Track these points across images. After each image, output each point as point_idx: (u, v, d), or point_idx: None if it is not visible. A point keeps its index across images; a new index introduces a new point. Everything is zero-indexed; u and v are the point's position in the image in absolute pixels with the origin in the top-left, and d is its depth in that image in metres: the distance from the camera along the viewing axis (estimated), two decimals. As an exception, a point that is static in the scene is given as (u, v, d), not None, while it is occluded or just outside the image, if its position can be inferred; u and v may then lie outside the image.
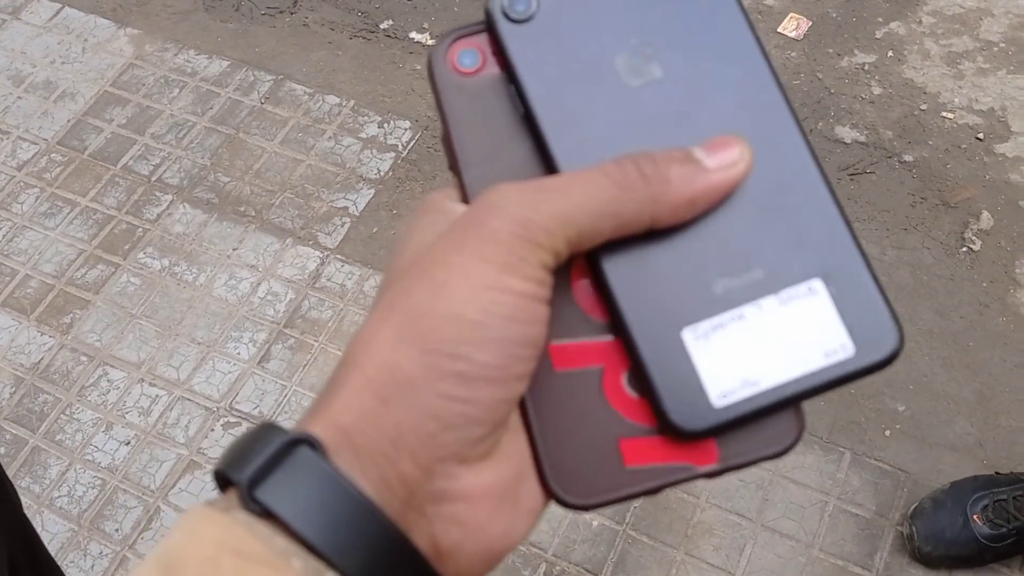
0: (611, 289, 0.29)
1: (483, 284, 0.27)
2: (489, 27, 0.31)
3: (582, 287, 0.30)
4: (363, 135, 1.93)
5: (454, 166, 0.31)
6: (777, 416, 0.29)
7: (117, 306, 1.73)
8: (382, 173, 1.87)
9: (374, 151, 1.91)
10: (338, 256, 1.77)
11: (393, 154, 1.90)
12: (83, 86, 2.03)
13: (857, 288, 0.29)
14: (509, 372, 0.27)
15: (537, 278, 0.27)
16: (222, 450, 1.53)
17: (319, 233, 1.80)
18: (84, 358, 1.68)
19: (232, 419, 1.60)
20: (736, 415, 0.28)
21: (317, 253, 1.78)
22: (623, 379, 0.30)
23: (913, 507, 1.41)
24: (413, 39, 2.08)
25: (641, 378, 0.29)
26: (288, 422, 1.58)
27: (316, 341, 1.67)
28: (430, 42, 2.07)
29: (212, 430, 1.59)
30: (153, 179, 1.89)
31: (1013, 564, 1.40)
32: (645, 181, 0.28)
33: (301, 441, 0.27)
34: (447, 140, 0.31)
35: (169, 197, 1.86)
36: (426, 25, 2.10)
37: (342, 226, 1.81)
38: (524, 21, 0.31)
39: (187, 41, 2.09)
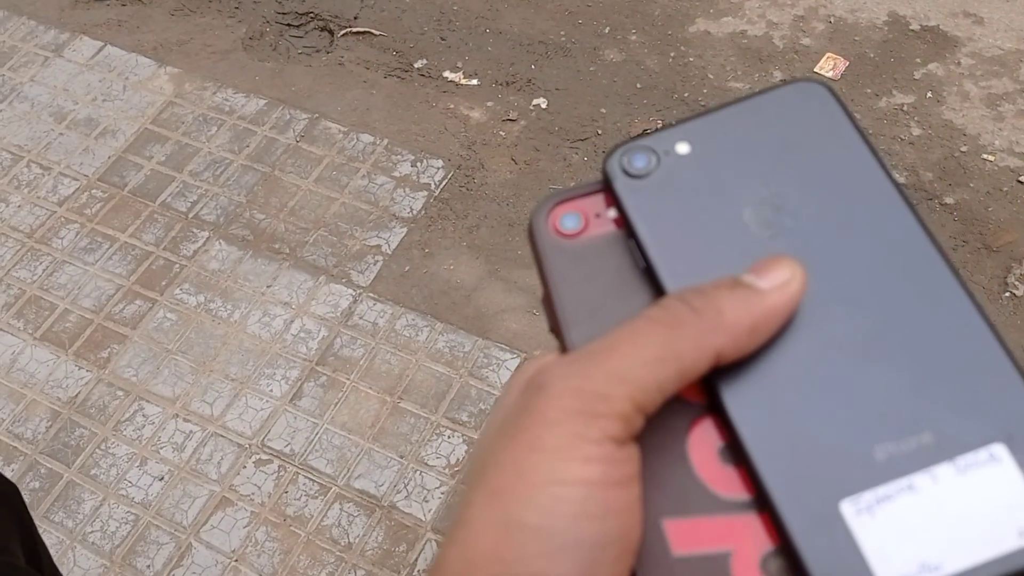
0: (749, 456, 0.26)
1: (539, 480, 0.23)
2: (607, 183, 0.31)
3: (703, 455, 0.27)
4: (396, 174, 1.95)
5: (555, 328, 0.30)
6: None
7: (153, 341, 1.76)
8: (415, 212, 1.89)
9: (407, 189, 1.93)
10: (370, 294, 1.78)
11: (426, 193, 1.92)
12: (124, 123, 2.08)
13: None
14: None
15: (605, 457, 0.23)
16: (254, 488, 1.54)
17: (352, 271, 1.82)
18: (120, 393, 1.70)
19: (264, 456, 1.61)
20: None
21: (350, 291, 1.79)
22: (758, 564, 0.25)
23: None
24: (447, 78, 2.10)
25: (792, 562, 0.25)
26: (318, 460, 1.59)
27: (348, 379, 1.68)
28: (463, 81, 2.09)
29: (244, 467, 1.60)
30: (190, 216, 1.92)
31: None
32: (696, 314, 0.25)
33: None
34: (548, 301, 0.30)
35: (206, 234, 1.89)
36: (459, 64, 2.12)
37: (375, 264, 1.82)
38: (643, 176, 0.30)
39: (225, 80, 2.13)
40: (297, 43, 2.20)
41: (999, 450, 0.25)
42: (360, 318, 1.76)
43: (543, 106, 2.03)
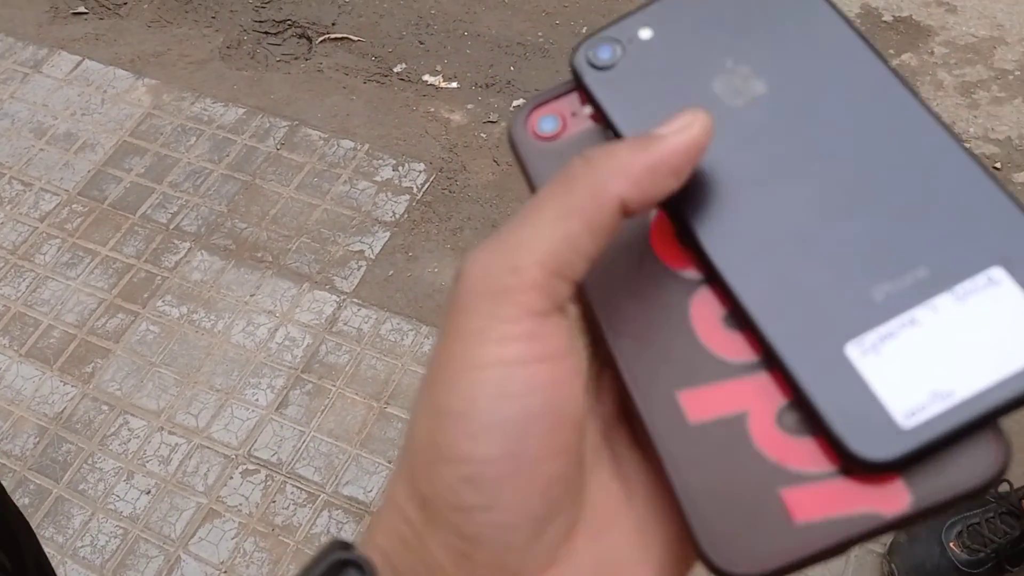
0: (751, 316, 0.26)
1: (460, 366, 0.23)
2: (577, 80, 0.31)
3: (707, 325, 0.27)
4: (378, 178, 1.95)
5: None
6: (972, 437, 0.24)
7: (137, 354, 1.75)
8: (397, 216, 1.89)
9: (389, 194, 1.92)
10: (355, 300, 1.78)
11: (408, 196, 1.91)
12: (103, 137, 2.07)
13: None
14: (523, 459, 0.23)
15: (524, 334, 0.23)
16: (242, 499, 1.54)
17: (336, 277, 1.81)
18: (105, 407, 1.69)
19: (251, 466, 1.60)
20: (933, 435, 0.24)
21: (334, 297, 1.79)
22: (774, 420, 0.26)
23: (889, 543, 1.39)
24: (426, 82, 2.10)
25: (807, 412, 0.25)
26: (305, 468, 1.59)
27: (334, 386, 1.68)
28: (443, 85, 2.09)
29: (231, 478, 1.60)
30: (171, 227, 1.91)
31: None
32: (589, 164, 0.25)
33: (349, 563, 0.24)
34: None
35: (187, 245, 1.88)
36: (439, 68, 2.12)
37: (358, 270, 1.82)
38: (610, 67, 0.31)
39: (203, 90, 2.12)
40: (275, 51, 2.20)
41: (997, 273, 0.25)
42: (345, 324, 1.75)
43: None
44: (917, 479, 0.24)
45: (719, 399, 0.26)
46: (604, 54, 0.31)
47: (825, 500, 0.24)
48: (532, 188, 0.30)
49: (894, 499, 0.24)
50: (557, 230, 0.24)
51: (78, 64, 2.21)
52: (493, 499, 0.23)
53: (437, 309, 1.75)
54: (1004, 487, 1.38)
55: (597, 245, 0.24)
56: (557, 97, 0.32)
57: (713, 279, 0.27)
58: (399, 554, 0.24)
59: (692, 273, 0.28)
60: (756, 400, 0.26)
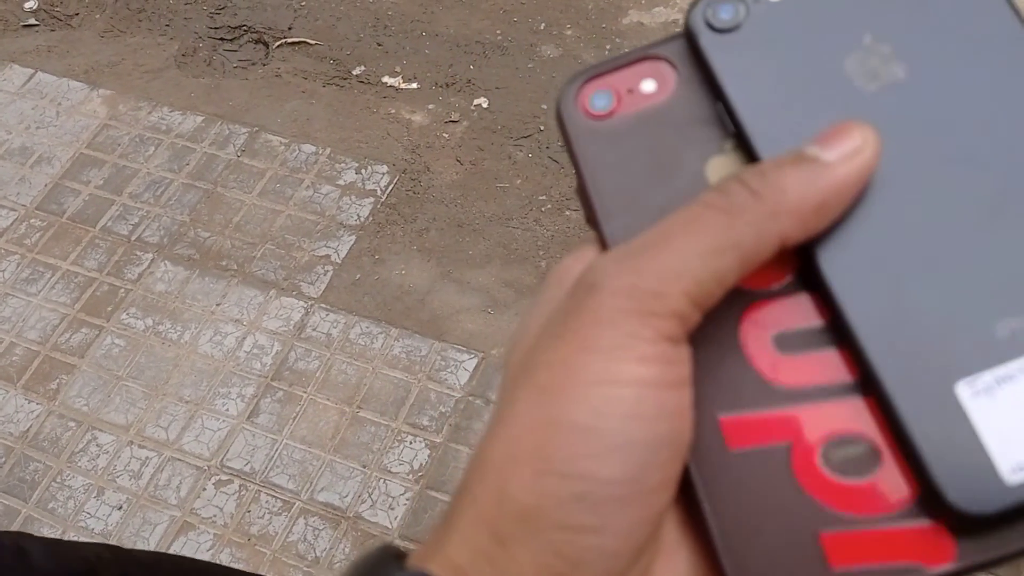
0: (854, 335, 0.23)
1: (590, 379, 0.22)
2: (690, 39, 0.28)
3: (757, 346, 0.25)
4: (341, 182, 1.93)
5: (592, 219, 0.27)
6: None
7: (103, 369, 1.72)
8: (362, 219, 1.88)
9: (353, 197, 1.91)
10: (322, 305, 1.77)
11: (372, 199, 1.90)
12: (59, 150, 2.04)
13: None
14: (643, 486, 0.22)
15: (659, 357, 0.22)
16: (216, 510, 1.52)
17: (302, 283, 1.80)
18: (72, 423, 1.67)
19: (224, 477, 1.59)
20: None
21: (301, 303, 1.77)
22: (818, 457, 0.24)
23: None
24: (386, 83, 2.09)
25: (904, 449, 0.23)
26: (279, 476, 1.57)
27: (305, 392, 1.67)
28: (403, 86, 2.08)
29: (204, 489, 1.58)
30: (133, 239, 1.89)
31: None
32: (756, 198, 0.23)
33: None
34: (582, 191, 0.28)
35: (150, 256, 1.86)
36: (398, 69, 2.11)
37: (325, 275, 1.81)
38: (731, 30, 0.27)
39: (160, 99, 2.10)
40: (232, 57, 2.18)
41: None
42: (313, 330, 1.74)
43: (484, 106, 2.03)
44: (967, 535, 0.22)
45: (762, 428, 0.24)
46: (726, 14, 0.27)
47: (866, 548, 0.23)
48: (577, 167, 0.28)
49: (939, 554, 0.22)
50: (710, 264, 0.23)
51: (30, 77, 2.17)
52: (605, 523, 0.22)
53: (406, 311, 1.74)
54: None
55: (743, 278, 0.24)
56: (613, 71, 0.29)
57: (814, 289, 0.25)
58: (479, 570, 0.22)
59: (747, 287, 0.25)
60: (802, 433, 0.24)
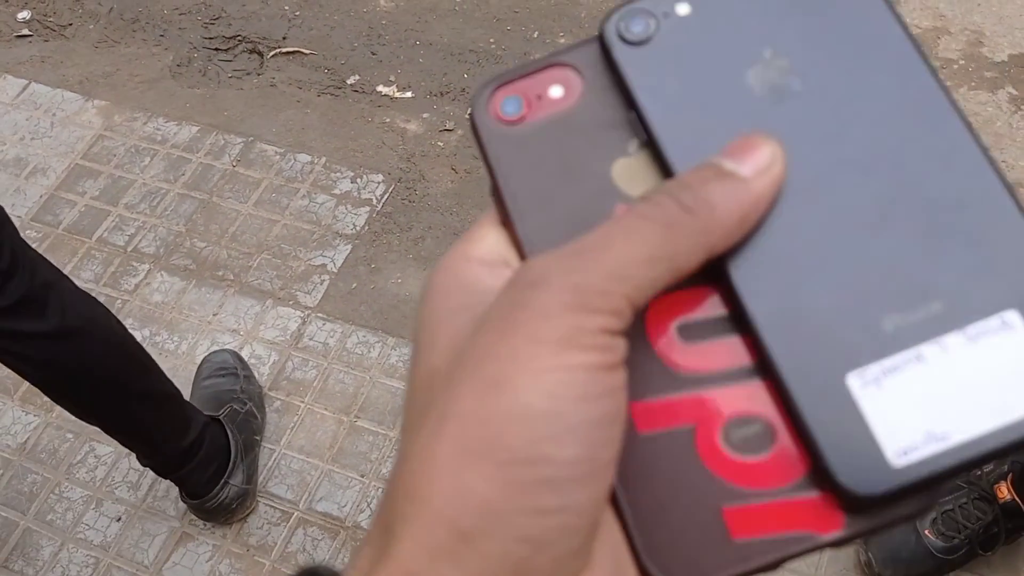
0: (757, 329, 0.25)
1: (543, 367, 0.23)
2: (604, 51, 0.29)
3: (661, 335, 0.27)
4: (336, 191, 1.94)
5: (505, 220, 0.29)
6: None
7: (100, 380, 1.72)
8: (358, 228, 1.88)
9: (349, 206, 1.92)
10: (319, 314, 1.77)
11: (368, 208, 1.91)
12: (54, 160, 2.04)
13: None
14: (598, 463, 0.23)
15: (602, 345, 0.24)
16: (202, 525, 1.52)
17: (299, 292, 1.80)
18: (70, 435, 1.67)
19: (222, 487, 1.59)
20: (919, 476, 0.24)
21: (298, 313, 1.78)
22: (719, 437, 0.26)
23: None
24: (381, 92, 2.09)
25: (799, 433, 0.25)
26: (278, 487, 1.58)
27: (302, 402, 1.67)
28: (397, 94, 2.09)
29: (203, 500, 1.58)
30: (129, 249, 1.89)
31: (970, 567, 1.40)
32: (690, 214, 0.25)
33: None
34: (496, 192, 0.29)
35: (146, 266, 1.86)
36: (392, 78, 2.12)
37: (321, 284, 1.81)
38: (642, 43, 0.28)
39: (155, 109, 2.10)
40: (226, 67, 2.18)
41: (1012, 316, 0.24)
42: (310, 339, 1.74)
43: (479, 114, 2.03)
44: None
45: (668, 412, 0.26)
46: (637, 27, 0.29)
47: (764, 519, 0.25)
48: (490, 171, 0.29)
49: (830, 522, 0.25)
50: (647, 271, 0.24)
51: (24, 88, 2.17)
52: (567, 502, 0.23)
53: (403, 320, 1.75)
54: (975, 473, 1.41)
55: (671, 284, 0.25)
56: (522, 77, 0.30)
57: (715, 282, 0.27)
58: (439, 570, 0.23)
59: None
60: (704, 415, 0.26)
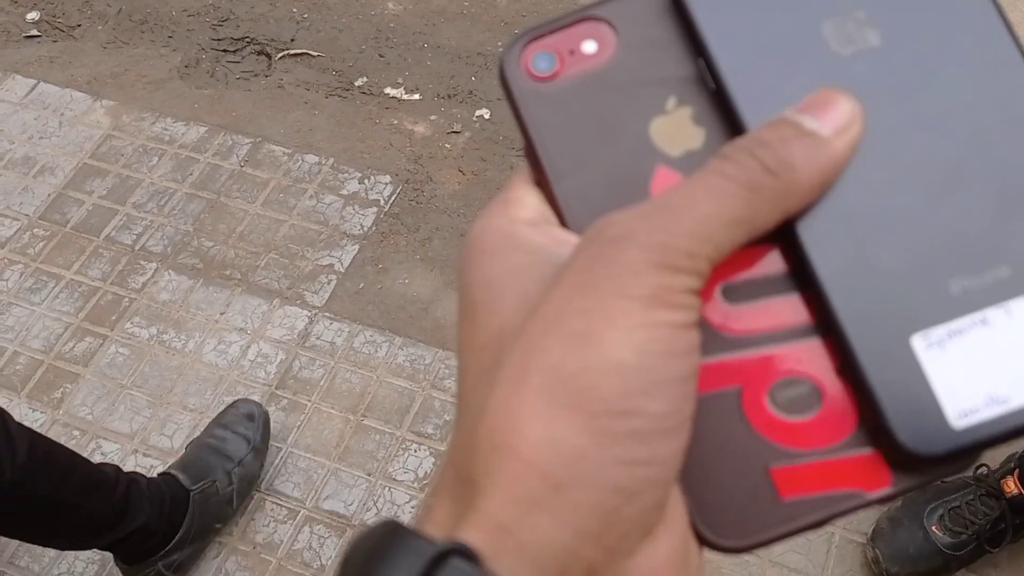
0: (822, 287, 0.25)
1: (633, 323, 0.23)
2: None
3: (710, 298, 0.27)
4: (344, 192, 1.94)
5: (541, 180, 0.28)
6: None
7: (107, 378, 1.73)
8: (365, 228, 1.89)
9: (356, 207, 1.92)
10: (326, 314, 1.77)
11: (375, 209, 1.91)
12: (62, 160, 2.04)
13: None
14: (683, 416, 0.24)
15: (685, 304, 0.24)
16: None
17: (306, 292, 1.81)
18: (77, 432, 1.67)
19: (229, 485, 1.59)
20: (979, 438, 0.24)
21: (305, 312, 1.78)
22: (765, 398, 0.26)
23: (872, 528, 1.41)
24: (388, 94, 2.10)
25: (859, 392, 0.25)
26: (284, 484, 1.58)
27: (309, 401, 1.67)
28: (405, 96, 2.09)
29: (209, 497, 1.58)
30: (136, 248, 1.89)
31: (975, 568, 1.40)
32: (772, 175, 0.24)
33: (451, 552, 0.22)
34: (530, 152, 0.28)
35: (153, 265, 1.87)
36: (400, 80, 2.13)
37: (328, 284, 1.81)
38: None
39: (163, 109, 2.11)
40: (235, 68, 2.19)
41: None
42: (317, 339, 1.75)
43: (486, 117, 2.04)
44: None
45: (715, 374, 0.26)
46: None
47: (812, 478, 0.25)
48: (524, 130, 0.28)
49: (878, 479, 0.25)
50: (731, 233, 0.24)
51: (33, 87, 2.18)
52: (655, 454, 0.23)
53: (410, 320, 1.75)
54: (982, 469, 1.41)
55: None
56: (553, 31, 0.29)
57: (770, 241, 0.26)
58: (530, 521, 0.22)
59: None
60: (750, 377, 0.26)
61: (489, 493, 0.23)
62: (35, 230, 1.94)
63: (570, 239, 0.27)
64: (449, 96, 2.09)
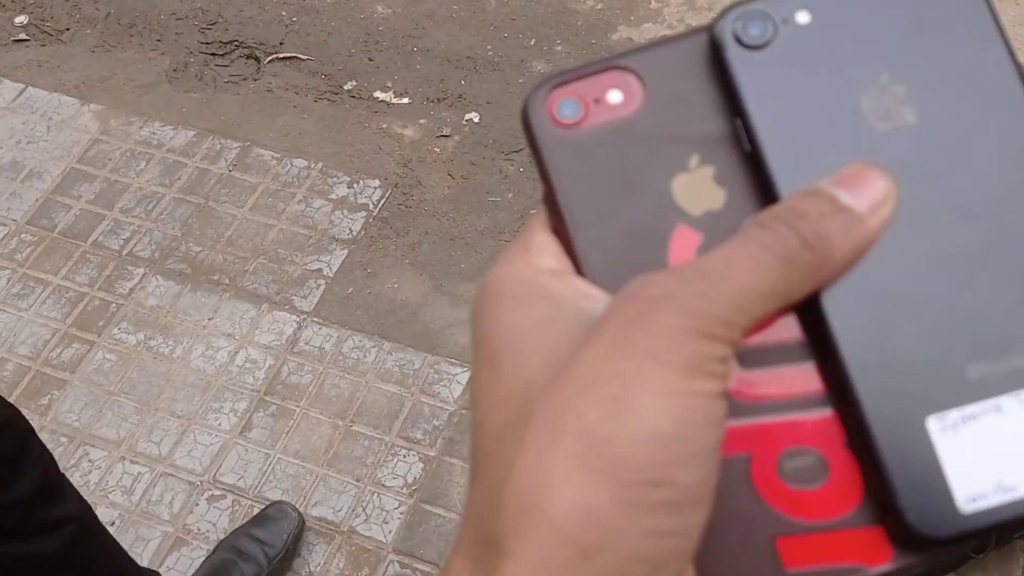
0: (842, 360, 0.25)
1: (670, 391, 0.23)
2: (717, 52, 0.28)
3: None
4: (333, 196, 1.94)
5: (559, 229, 0.28)
6: None
7: (94, 384, 1.72)
8: (354, 233, 1.88)
9: (345, 211, 1.92)
10: (315, 319, 1.77)
11: (364, 213, 1.91)
12: (50, 164, 2.03)
13: None
14: (711, 487, 0.24)
15: (720, 373, 0.24)
16: (209, 525, 1.51)
17: (295, 297, 1.80)
18: (64, 439, 1.66)
19: (216, 492, 1.58)
20: (984, 524, 0.24)
21: (294, 317, 1.77)
22: (775, 467, 0.26)
23: None
24: (378, 98, 2.10)
25: (872, 470, 0.25)
26: (273, 491, 1.57)
27: (298, 406, 1.66)
28: (394, 100, 2.09)
29: (197, 504, 1.57)
30: (124, 253, 1.89)
31: (963, 571, 1.40)
32: (809, 250, 0.24)
33: None
34: (550, 199, 0.28)
35: (141, 270, 1.86)
36: (389, 84, 2.12)
37: (317, 288, 1.81)
38: (758, 48, 0.27)
39: (152, 113, 2.10)
40: (223, 72, 2.18)
41: None
42: (306, 344, 1.74)
43: (476, 120, 2.04)
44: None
45: (727, 439, 0.26)
46: (756, 30, 0.27)
47: (815, 550, 0.25)
48: (545, 176, 0.28)
49: (879, 554, 0.25)
50: (766, 304, 0.24)
51: (21, 92, 2.17)
52: (683, 525, 0.23)
53: (399, 325, 1.75)
54: None
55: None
56: (579, 78, 0.28)
57: (800, 308, 0.26)
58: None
59: None
60: (760, 444, 0.26)
61: (515, 559, 0.22)
62: (23, 235, 1.93)
63: (594, 293, 0.27)
64: (438, 100, 2.09)
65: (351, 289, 1.80)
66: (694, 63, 0.28)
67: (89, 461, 1.63)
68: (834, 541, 0.25)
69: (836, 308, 0.25)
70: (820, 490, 0.26)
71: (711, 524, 0.25)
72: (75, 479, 1.61)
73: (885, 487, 0.25)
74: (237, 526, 1.54)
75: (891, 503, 0.25)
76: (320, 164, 1.99)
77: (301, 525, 1.50)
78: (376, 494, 1.56)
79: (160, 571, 1.50)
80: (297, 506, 1.54)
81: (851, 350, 0.25)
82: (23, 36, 2.28)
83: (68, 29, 2.30)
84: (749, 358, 0.26)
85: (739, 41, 0.27)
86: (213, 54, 2.22)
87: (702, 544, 0.25)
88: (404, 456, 1.60)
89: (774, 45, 0.27)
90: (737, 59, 0.27)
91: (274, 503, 1.52)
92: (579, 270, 0.27)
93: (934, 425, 0.25)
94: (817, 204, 0.25)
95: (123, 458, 1.63)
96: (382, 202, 1.92)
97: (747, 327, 0.24)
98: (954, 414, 0.25)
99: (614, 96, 0.28)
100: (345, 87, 2.12)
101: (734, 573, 0.25)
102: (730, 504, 0.25)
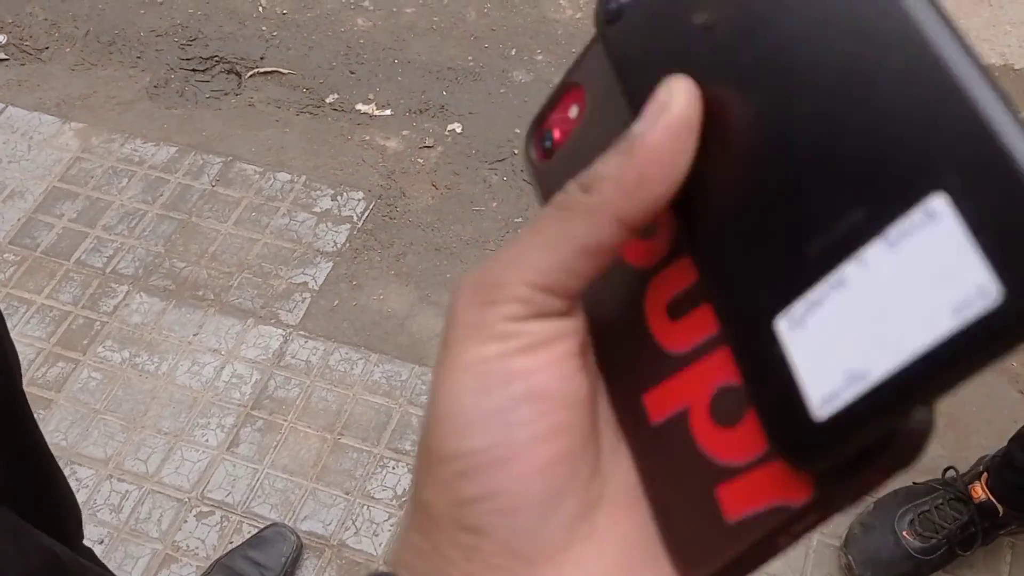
0: (707, 281, 0.23)
1: (447, 371, 0.24)
2: (602, 38, 0.28)
3: (657, 318, 0.25)
4: (317, 209, 1.94)
5: None
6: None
7: (80, 403, 1.71)
8: (339, 245, 1.88)
9: (329, 224, 1.91)
10: (301, 332, 1.76)
11: (348, 226, 1.91)
12: (31, 183, 2.03)
13: (999, 186, 0.17)
14: (513, 445, 0.23)
15: (500, 334, 0.24)
16: (198, 542, 1.51)
17: (280, 311, 1.80)
18: (49, 459, 1.65)
19: (205, 508, 1.57)
20: (844, 429, 0.19)
21: (279, 331, 1.77)
22: (708, 412, 0.24)
23: (844, 535, 1.42)
24: (360, 111, 2.10)
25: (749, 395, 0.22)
26: (261, 506, 1.56)
27: (285, 420, 1.66)
28: (376, 112, 2.09)
29: (185, 521, 1.56)
30: (108, 271, 1.88)
31: (951, 569, 1.41)
32: (586, 191, 0.23)
33: None
34: None
35: (125, 288, 1.85)
36: (371, 96, 2.12)
37: (303, 302, 1.81)
38: (617, 20, 0.27)
39: (133, 130, 2.09)
40: (204, 88, 2.18)
41: (937, 203, 0.18)
42: (292, 357, 1.73)
43: (458, 131, 2.04)
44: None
45: (669, 396, 0.25)
46: (612, 3, 0.27)
47: (747, 494, 0.22)
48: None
49: (799, 488, 0.21)
50: (548, 254, 0.24)
51: (1, 111, 2.16)
52: (488, 488, 0.24)
53: (385, 336, 1.74)
54: (951, 474, 1.41)
55: (597, 264, 0.24)
56: (551, 108, 0.29)
57: (685, 252, 0.25)
58: (418, 566, 0.25)
59: (645, 266, 0.26)
60: (694, 390, 0.24)
61: (402, 541, 0.27)
62: (5, 255, 1.92)
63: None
64: (421, 111, 2.09)
65: (337, 302, 1.80)
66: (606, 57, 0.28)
67: (76, 480, 1.62)
68: (761, 480, 0.22)
69: (696, 227, 0.24)
70: (742, 425, 0.23)
71: (668, 487, 0.24)
72: (62, 499, 1.60)
73: (758, 412, 0.21)
74: (227, 542, 1.53)
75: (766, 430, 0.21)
76: (303, 177, 1.99)
77: (299, 549, 1.50)
78: (365, 506, 1.56)
79: (149, 589, 1.49)
80: (287, 521, 1.54)
81: (712, 268, 0.23)
82: (2, 55, 2.27)
83: (47, 48, 2.29)
84: (675, 307, 0.25)
85: (606, 20, 0.27)
86: (194, 70, 2.21)
87: (665, 508, 0.24)
88: (393, 468, 1.60)
89: (629, 9, 0.26)
90: (607, 35, 0.27)
91: (271, 525, 1.51)
92: None
93: (783, 325, 0.21)
94: (607, 151, 0.24)
95: (110, 476, 1.62)
96: (366, 214, 1.92)
97: (535, 279, 0.24)
98: (799, 305, 0.20)
99: (573, 111, 0.29)
100: (327, 100, 2.12)
101: (689, 532, 0.24)
102: (679, 462, 0.24)
